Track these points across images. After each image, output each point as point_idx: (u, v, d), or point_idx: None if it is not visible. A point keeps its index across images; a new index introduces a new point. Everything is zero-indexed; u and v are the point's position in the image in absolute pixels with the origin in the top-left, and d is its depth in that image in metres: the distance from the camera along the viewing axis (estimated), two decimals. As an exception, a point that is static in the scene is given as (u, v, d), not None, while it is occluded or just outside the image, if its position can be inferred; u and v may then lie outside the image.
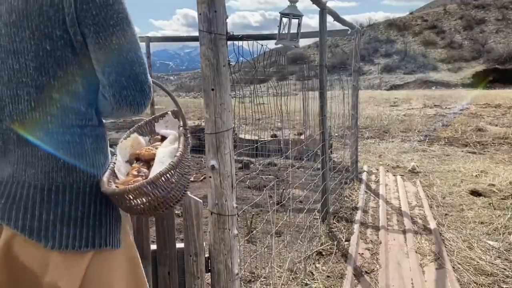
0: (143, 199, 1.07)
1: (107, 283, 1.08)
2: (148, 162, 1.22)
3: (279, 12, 3.26)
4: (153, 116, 1.39)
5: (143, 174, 1.18)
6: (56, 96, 1.02)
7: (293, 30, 3.25)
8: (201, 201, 1.52)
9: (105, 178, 1.10)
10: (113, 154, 1.22)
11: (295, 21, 3.24)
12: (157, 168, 1.13)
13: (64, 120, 1.04)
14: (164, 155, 1.19)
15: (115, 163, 1.18)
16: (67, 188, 1.05)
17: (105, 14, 0.99)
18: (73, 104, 1.05)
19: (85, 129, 1.08)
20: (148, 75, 1.09)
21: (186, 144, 1.22)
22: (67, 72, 1.02)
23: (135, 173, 1.18)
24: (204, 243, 1.63)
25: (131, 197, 1.07)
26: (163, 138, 1.33)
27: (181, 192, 1.15)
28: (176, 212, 2.81)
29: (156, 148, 1.25)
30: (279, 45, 3.24)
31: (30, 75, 1.01)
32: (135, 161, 1.25)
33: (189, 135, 1.26)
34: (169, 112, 1.39)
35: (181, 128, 1.27)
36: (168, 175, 1.09)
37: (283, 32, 3.18)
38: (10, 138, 1.05)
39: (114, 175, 1.15)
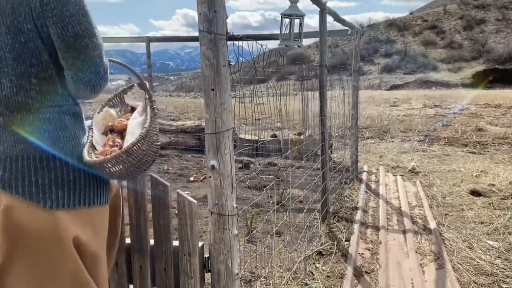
0: (120, 166, 1.25)
1: (96, 232, 1.29)
2: (121, 132, 1.38)
3: (281, 14, 3.26)
4: (122, 89, 1.52)
5: (118, 144, 1.34)
6: (34, 81, 1.20)
7: (296, 30, 3.25)
8: (195, 201, 1.52)
9: (85, 151, 1.26)
10: (90, 128, 1.37)
11: (297, 21, 3.24)
12: (130, 138, 1.30)
13: (43, 101, 1.21)
14: (134, 126, 1.35)
15: (92, 136, 1.33)
16: (56, 156, 1.22)
17: (62, 6, 1.14)
18: (50, 87, 1.22)
19: (62, 108, 1.25)
20: (104, 59, 1.25)
21: (153, 114, 1.38)
22: (40, 61, 1.19)
23: (111, 143, 1.34)
24: (203, 243, 1.63)
25: (110, 165, 1.24)
26: (133, 109, 1.48)
27: (152, 157, 1.34)
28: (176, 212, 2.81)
29: (127, 119, 1.41)
30: (283, 46, 3.24)
31: (10, 65, 1.17)
32: (109, 133, 1.39)
33: (155, 106, 1.42)
34: (135, 84, 1.52)
35: (147, 100, 1.43)
36: (139, 144, 1.27)
37: (285, 32, 3.18)
38: None
39: (92, 147, 1.31)
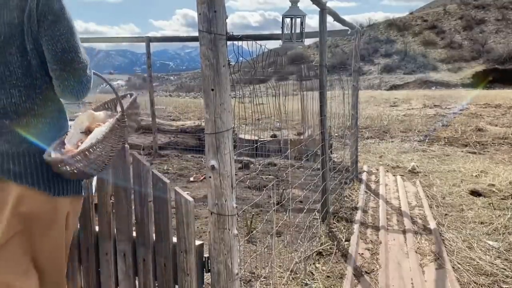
0: (67, 168, 1.39)
1: (76, 213, 1.60)
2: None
3: (282, 15, 3.26)
4: (120, 95, 1.61)
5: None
6: (38, 91, 1.43)
7: (297, 30, 3.25)
8: (192, 200, 1.54)
9: (50, 147, 1.41)
10: (70, 127, 1.53)
11: (298, 21, 3.24)
12: (87, 142, 1.43)
13: (46, 107, 1.44)
14: (97, 133, 1.46)
15: (67, 134, 1.48)
16: None
17: (54, 27, 1.36)
18: (51, 96, 1.46)
19: (61, 113, 1.51)
20: (88, 71, 1.44)
21: (115, 127, 1.48)
22: (42, 74, 1.42)
23: (79, 144, 1.46)
24: (203, 242, 1.64)
25: (59, 166, 1.38)
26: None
27: (100, 166, 1.46)
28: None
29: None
30: (285, 46, 3.25)
31: (20, 78, 1.40)
32: (87, 133, 1.50)
33: (125, 119, 1.51)
34: (129, 95, 1.63)
35: (118, 112, 1.53)
36: (86, 152, 1.39)
37: (287, 32, 3.19)
38: (4, 124, 1.40)
39: (62, 144, 1.44)
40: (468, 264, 3.03)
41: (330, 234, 3.50)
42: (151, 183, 1.61)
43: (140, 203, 1.64)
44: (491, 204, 4.31)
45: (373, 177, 5.63)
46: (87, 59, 1.44)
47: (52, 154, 1.39)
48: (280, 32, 3.57)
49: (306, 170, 4.84)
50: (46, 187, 1.43)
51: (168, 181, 1.59)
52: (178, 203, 1.55)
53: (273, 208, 3.42)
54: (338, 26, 4.85)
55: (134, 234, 1.70)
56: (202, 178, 5.47)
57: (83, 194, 1.60)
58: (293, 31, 3.16)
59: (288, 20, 3.18)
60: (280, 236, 3.39)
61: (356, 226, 3.67)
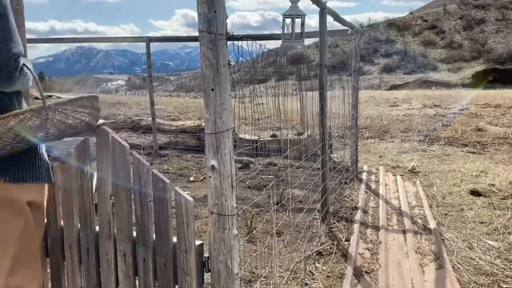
0: None
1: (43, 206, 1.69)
2: None
3: (282, 14, 3.26)
4: (80, 97, 1.57)
5: None
6: None
7: (297, 29, 3.26)
8: (192, 199, 1.54)
9: None
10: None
11: (298, 21, 3.24)
12: None
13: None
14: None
15: None
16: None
17: None
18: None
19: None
20: (11, 62, 1.42)
21: (20, 119, 1.42)
22: None
23: None
24: (203, 242, 1.64)
25: None
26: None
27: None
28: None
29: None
30: (285, 46, 3.25)
31: None
32: None
33: (44, 112, 1.45)
34: (84, 99, 1.57)
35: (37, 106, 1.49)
36: None
37: (287, 32, 3.19)
38: None
39: None
40: (468, 264, 3.03)
41: (330, 234, 3.50)
42: (151, 183, 1.61)
43: (140, 203, 1.65)
44: (491, 204, 4.31)
45: (373, 177, 5.63)
46: (14, 49, 1.44)
47: None
48: (280, 32, 3.58)
49: (306, 170, 4.84)
50: (2, 175, 1.47)
51: (168, 181, 1.59)
52: (178, 203, 1.55)
53: (273, 208, 3.42)
54: (338, 26, 4.85)
55: (134, 234, 1.71)
56: (202, 178, 5.47)
57: (43, 181, 1.60)
58: (293, 31, 3.16)
59: (288, 20, 3.18)
60: (280, 236, 3.39)
61: (356, 226, 3.67)
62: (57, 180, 1.77)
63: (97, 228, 1.77)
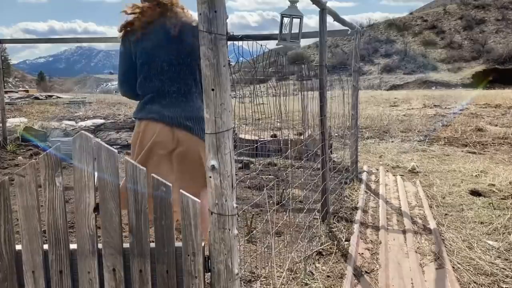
0: None
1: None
2: None
3: (280, 13, 3.26)
4: None
5: None
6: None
7: (294, 30, 3.25)
8: (199, 201, 1.52)
9: None
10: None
11: (296, 21, 3.24)
12: None
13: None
14: None
15: None
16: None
17: None
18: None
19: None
20: None
21: None
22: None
23: None
24: (203, 242, 1.63)
25: None
26: None
27: None
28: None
29: None
30: (280, 46, 3.25)
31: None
32: None
33: None
34: None
35: None
36: None
37: (284, 32, 3.18)
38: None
39: None
40: (468, 264, 3.03)
41: (330, 234, 3.50)
42: (146, 188, 1.53)
43: (136, 211, 1.57)
44: (491, 204, 4.31)
45: (373, 177, 5.63)
46: None
47: None
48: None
49: (306, 170, 4.84)
50: (200, 132, 2.21)
51: (170, 184, 1.56)
52: (185, 204, 1.52)
53: (273, 208, 3.42)
54: (338, 26, 4.85)
55: (125, 245, 1.59)
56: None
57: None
58: (290, 31, 3.16)
59: (286, 20, 3.18)
60: (280, 236, 3.39)
61: (356, 226, 3.67)
62: (17, 197, 1.52)
63: (72, 246, 1.61)
